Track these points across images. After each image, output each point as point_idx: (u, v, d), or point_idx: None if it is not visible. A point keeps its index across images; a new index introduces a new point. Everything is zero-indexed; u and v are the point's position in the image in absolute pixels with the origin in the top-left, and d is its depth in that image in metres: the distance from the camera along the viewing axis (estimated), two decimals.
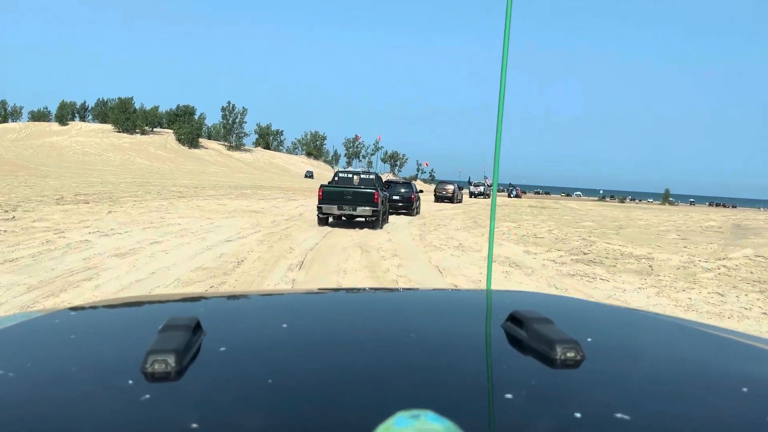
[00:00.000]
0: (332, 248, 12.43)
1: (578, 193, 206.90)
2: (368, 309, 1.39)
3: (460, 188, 46.58)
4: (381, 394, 0.78)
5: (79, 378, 0.83)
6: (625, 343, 1.12)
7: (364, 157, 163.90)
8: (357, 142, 50.61)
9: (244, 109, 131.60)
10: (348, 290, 2.15)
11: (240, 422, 0.67)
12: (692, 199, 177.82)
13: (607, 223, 25.89)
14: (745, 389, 0.82)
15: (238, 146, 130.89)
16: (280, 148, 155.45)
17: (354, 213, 16.29)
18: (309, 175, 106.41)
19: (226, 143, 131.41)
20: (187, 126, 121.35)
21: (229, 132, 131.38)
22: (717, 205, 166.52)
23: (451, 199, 42.58)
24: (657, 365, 0.97)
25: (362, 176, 19.02)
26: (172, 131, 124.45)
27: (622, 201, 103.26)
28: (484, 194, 58.99)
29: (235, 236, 13.06)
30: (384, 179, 24.19)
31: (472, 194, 60.95)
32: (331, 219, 17.00)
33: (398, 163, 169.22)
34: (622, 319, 1.37)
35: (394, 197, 23.18)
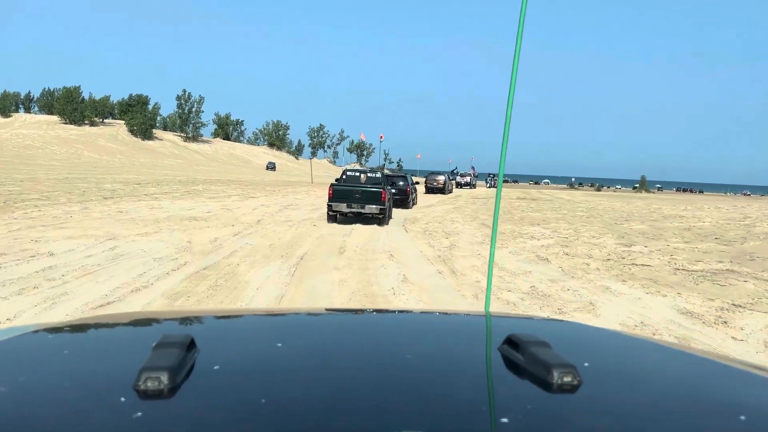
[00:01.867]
0: (308, 301, 7.23)
1: (546, 180, 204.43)
2: (364, 330, 1.37)
3: (451, 179, 46.27)
4: (376, 416, 0.77)
5: (72, 394, 0.82)
6: (622, 369, 1.09)
7: (329, 147, 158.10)
8: (362, 142, 47.51)
9: (201, 98, 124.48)
10: (344, 311, 2.17)
11: None
12: (659, 185, 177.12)
13: (666, 225, 20.92)
14: (742, 417, 0.81)
15: (195, 137, 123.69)
16: (241, 138, 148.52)
17: (362, 211, 16.80)
18: (271, 167, 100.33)
19: (182, 134, 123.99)
20: (139, 116, 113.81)
21: (186, 122, 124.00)
22: (684, 191, 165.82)
23: (442, 190, 41.61)
24: (654, 391, 0.94)
25: (369, 175, 19.08)
26: (124, 122, 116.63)
27: (598, 189, 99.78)
28: (470, 184, 58.06)
29: (130, 283, 7.50)
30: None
31: (458, 185, 59.78)
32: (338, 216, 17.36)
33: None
34: (619, 344, 1.34)
35: (391, 190, 22.21)
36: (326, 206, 17.62)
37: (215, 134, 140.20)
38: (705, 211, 28.01)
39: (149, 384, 0.77)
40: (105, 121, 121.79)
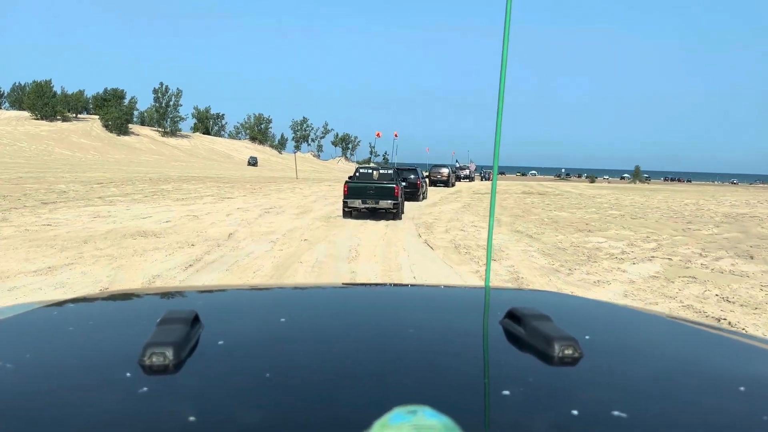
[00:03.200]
0: None
1: (533, 172, 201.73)
2: (367, 304, 1.37)
3: (454, 171, 46.72)
4: (378, 389, 0.78)
5: (77, 370, 0.83)
6: (623, 341, 1.10)
7: (313, 140, 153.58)
8: (395, 139, 44.30)
9: (179, 91, 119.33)
10: (347, 285, 2.24)
11: (237, 416, 0.67)
12: (646, 175, 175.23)
13: (751, 226, 17.29)
14: (742, 388, 0.81)
15: (173, 132, 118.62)
16: (222, 133, 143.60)
17: (377, 206, 17.31)
18: (252, 162, 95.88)
19: (160, 129, 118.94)
20: (115, 111, 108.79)
21: (163, 116, 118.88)
22: (673, 180, 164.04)
23: (446, 182, 41.28)
24: (655, 363, 0.95)
25: (381, 171, 19.56)
26: (98, 117, 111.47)
27: (592, 180, 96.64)
28: (469, 177, 58.41)
29: None
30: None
31: (457, 178, 60.19)
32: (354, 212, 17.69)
33: (350, 146, 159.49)
34: (620, 317, 1.34)
35: (403, 185, 21.50)
36: (317, 207, 17.14)
37: (195, 129, 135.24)
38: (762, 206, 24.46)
39: (154, 359, 0.77)
40: (79, 116, 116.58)
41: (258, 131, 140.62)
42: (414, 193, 25.20)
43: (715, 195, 41.16)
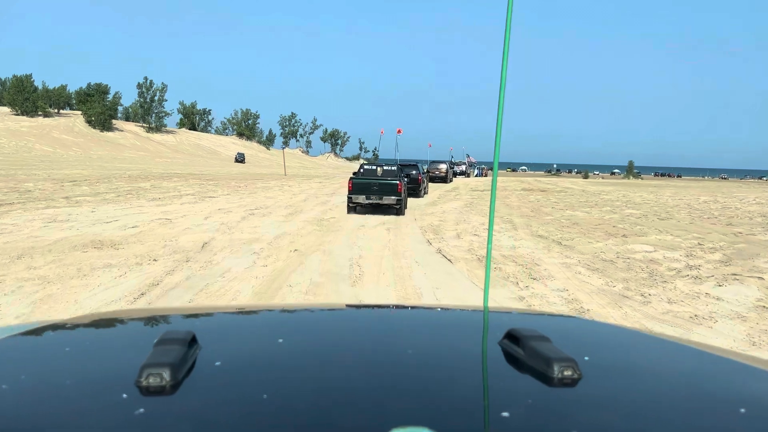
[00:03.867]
0: None
1: (524, 167, 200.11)
2: (365, 325, 1.37)
3: (451, 166, 46.61)
4: (377, 411, 0.77)
5: (74, 390, 0.83)
6: (622, 363, 1.09)
7: (301, 136, 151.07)
8: (398, 136, 44.20)
9: (164, 86, 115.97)
10: (345, 307, 2.04)
11: None
12: (636, 170, 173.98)
13: None
14: (742, 410, 0.81)
15: (158, 128, 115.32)
16: (209, 128, 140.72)
17: (381, 202, 17.69)
18: (240, 158, 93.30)
19: (145, 125, 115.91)
20: (98, 106, 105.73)
21: (148, 112, 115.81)
22: (663, 175, 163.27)
23: (444, 178, 40.88)
24: (654, 385, 0.94)
25: (385, 168, 19.85)
26: (81, 113, 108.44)
27: (585, 176, 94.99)
28: (465, 173, 58.38)
29: None
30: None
31: (454, 173, 59.41)
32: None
33: (339, 142, 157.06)
34: (619, 338, 1.34)
35: (405, 181, 21.61)
36: (308, 207, 16.82)
37: (181, 124, 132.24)
38: None
39: (151, 380, 0.77)
40: (61, 111, 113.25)
41: (245, 127, 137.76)
42: (415, 189, 24.92)
43: (724, 191, 39.51)
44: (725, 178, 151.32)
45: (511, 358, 0.98)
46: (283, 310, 1.65)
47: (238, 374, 0.91)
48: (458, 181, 49.31)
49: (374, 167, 20.26)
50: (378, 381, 0.90)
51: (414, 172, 25.93)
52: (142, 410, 0.72)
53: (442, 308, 1.71)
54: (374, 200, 17.72)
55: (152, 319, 1.41)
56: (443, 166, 41.50)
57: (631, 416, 0.78)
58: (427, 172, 36.15)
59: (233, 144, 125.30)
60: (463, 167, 59.55)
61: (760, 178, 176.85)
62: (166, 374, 0.78)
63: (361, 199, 17.78)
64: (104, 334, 1.29)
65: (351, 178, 18.25)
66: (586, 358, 0.98)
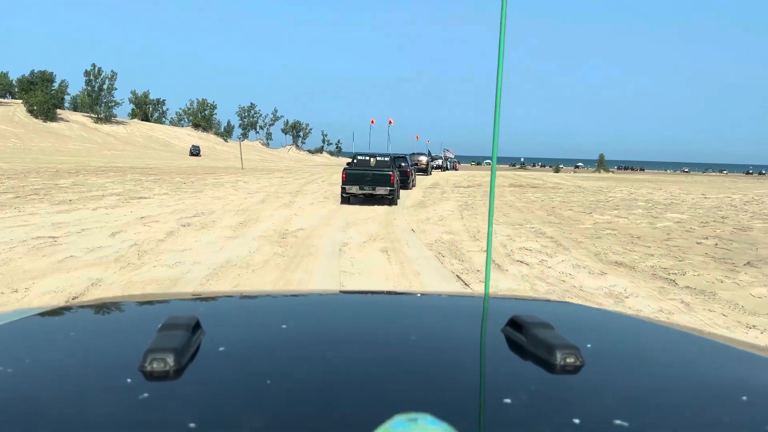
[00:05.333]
0: None
1: (488, 161, 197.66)
2: (369, 312, 1.37)
3: (432, 159, 48.35)
4: (380, 396, 0.78)
5: (78, 375, 0.83)
6: (625, 350, 1.09)
7: (261, 127, 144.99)
8: (389, 126, 42.14)
9: (114, 74, 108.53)
10: (349, 292, 2.19)
11: (238, 422, 0.67)
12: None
13: None
14: (744, 397, 0.81)
15: (107, 118, 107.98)
16: (163, 119, 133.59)
17: (374, 192, 17.91)
18: (195, 151, 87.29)
19: (93, 115, 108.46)
20: (40, 95, 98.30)
21: (96, 101, 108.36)
22: (626, 169, 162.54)
23: (425, 170, 41.60)
24: (657, 372, 0.94)
25: (378, 159, 19.83)
26: (22, 102, 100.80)
27: (556, 171, 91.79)
28: (442, 167, 59.52)
29: None
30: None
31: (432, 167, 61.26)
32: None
33: (301, 134, 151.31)
34: (622, 325, 1.33)
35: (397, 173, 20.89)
36: (266, 212, 14.60)
37: (133, 115, 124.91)
38: None
39: (155, 365, 0.77)
40: (1, 100, 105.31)
41: (201, 118, 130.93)
42: (405, 181, 24.53)
43: (739, 185, 36.25)
44: (687, 172, 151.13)
45: (514, 345, 0.97)
46: (287, 296, 1.67)
47: (242, 359, 0.90)
48: (436, 175, 45.93)
49: (367, 158, 19.83)
50: (381, 367, 0.89)
51: (403, 164, 25.85)
52: (146, 395, 0.72)
53: (444, 295, 1.73)
54: (367, 191, 17.85)
55: (156, 305, 1.40)
56: (424, 159, 42.44)
57: (634, 403, 0.77)
58: (415, 164, 37.05)
59: (188, 136, 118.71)
60: (440, 161, 60.78)
61: (721, 171, 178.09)
62: (170, 359, 0.78)
63: (355, 189, 17.89)
64: (108, 319, 1.27)
65: (345, 169, 18.30)
66: (589, 345, 0.98)
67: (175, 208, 14.70)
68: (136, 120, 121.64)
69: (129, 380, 0.76)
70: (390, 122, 40.64)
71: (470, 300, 1.63)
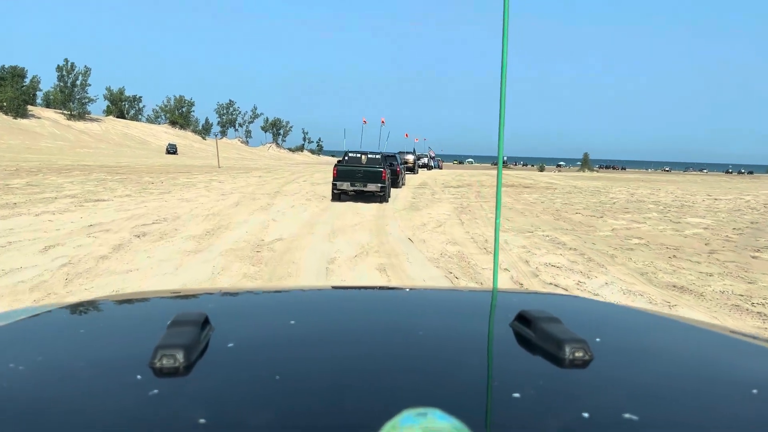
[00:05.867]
0: None
1: (470, 160, 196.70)
2: (377, 307, 1.36)
3: (418, 158, 48.43)
4: (388, 392, 0.77)
5: (88, 372, 0.83)
6: (633, 344, 1.08)
7: (240, 125, 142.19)
8: (382, 126, 41.36)
9: (87, 69, 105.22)
10: (356, 288, 2.15)
11: (247, 418, 0.67)
12: (579, 163, 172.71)
13: None
14: (755, 390, 0.80)
15: (81, 115, 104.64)
16: (139, 117, 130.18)
17: (365, 189, 17.81)
18: (171, 149, 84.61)
19: (66, 111, 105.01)
20: (10, 91, 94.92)
21: (69, 97, 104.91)
22: (607, 168, 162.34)
23: (412, 169, 41.60)
24: (665, 366, 0.93)
25: (369, 156, 19.87)
26: None
27: (541, 169, 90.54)
28: (427, 166, 59.53)
29: None
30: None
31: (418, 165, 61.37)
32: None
33: (281, 132, 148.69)
34: (630, 319, 1.32)
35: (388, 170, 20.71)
36: (240, 217, 12.54)
37: (108, 112, 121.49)
38: None
39: (165, 361, 0.78)
40: None
41: (179, 115, 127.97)
42: (394, 180, 24.04)
43: (727, 186, 34.98)
44: (668, 171, 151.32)
45: (522, 340, 0.97)
46: (296, 291, 1.67)
47: (251, 355, 0.90)
48: (423, 174, 44.33)
49: (359, 155, 19.76)
50: (390, 362, 0.89)
51: (394, 163, 25.69)
52: (156, 391, 0.72)
53: (452, 290, 1.75)
54: (358, 187, 17.75)
55: (165, 301, 1.40)
56: (410, 157, 42.60)
57: (643, 397, 0.76)
58: (404, 163, 36.90)
59: (165, 133, 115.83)
60: (425, 160, 60.82)
61: (701, 170, 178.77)
62: (180, 356, 0.78)
63: (346, 185, 17.76)
64: (118, 315, 1.28)
65: (336, 165, 18.20)
66: (598, 339, 0.97)
67: (135, 212, 12.78)
68: (111, 117, 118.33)
69: (139, 377, 0.76)
70: (383, 122, 40.34)
71: (478, 295, 1.61)
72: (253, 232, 10.69)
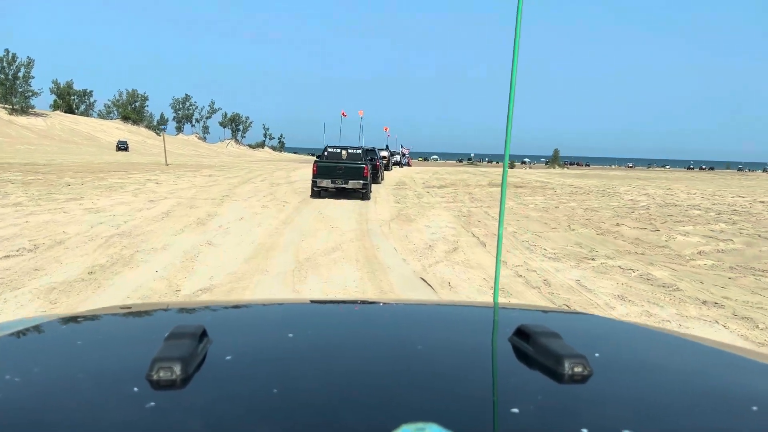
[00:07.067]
0: None
1: (435, 157, 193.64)
2: (375, 321, 1.34)
3: (392, 154, 47.73)
4: (387, 406, 0.77)
5: (85, 384, 0.83)
6: (632, 359, 1.08)
7: (198, 121, 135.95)
8: (360, 118, 37.85)
9: (30, 61, 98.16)
10: (355, 302, 2.12)
11: (245, 431, 0.67)
12: (543, 159, 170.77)
13: None
14: (754, 408, 0.80)
15: (24, 109, 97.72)
16: (91, 112, 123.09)
17: (346, 186, 16.94)
18: (122, 146, 78.93)
19: (7, 106, 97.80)
20: None
21: (11, 91, 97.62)
22: (571, 164, 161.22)
23: (386, 166, 40.54)
24: (665, 382, 0.93)
25: (350, 151, 19.06)
26: None
27: (511, 166, 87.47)
28: (399, 163, 58.06)
29: None
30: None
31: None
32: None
33: (241, 127, 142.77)
34: (629, 334, 1.31)
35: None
36: (164, 231, 10.06)
37: (55, 106, 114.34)
38: None
39: (162, 374, 0.77)
40: None
41: (132, 110, 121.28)
42: (374, 175, 22.77)
43: (732, 183, 31.95)
44: (631, 167, 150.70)
45: (522, 355, 0.96)
46: (294, 304, 1.64)
47: (249, 368, 0.90)
48: (396, 172, 40.63)
49: (339, 150, 19.06)
50: (388, 377, 0.88)
51: (374, 157, 24.59)
52: (153, 404, 0.72)
53: (452, 304, 1.70)
54: (339, 184, 16.88)
55: (163, 313, 1.38)
56: (385, 153, 40.91)
57: (642, 413, 0.76)
58: (385, 158, 36.07)
59: (117, 129, 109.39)
60: (398, 157, 58.54)
61: (663, 166, 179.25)
62: (177, 368, 0.78)
63: (326, 182, 16.93)
64: (116, 327, 1.27)
65: (315, 162, 17.39)
66: (597, 354, 0.97)
67: (1, 233, 8.53)
68: (58, 112, 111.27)
69: (136, 389, 0.76)
70: (360, 114, 38.16)
71: (478, 309, 1.59)
72: (169, 270, 6.59)
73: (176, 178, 23.00)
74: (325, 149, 19.33)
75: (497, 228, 9.58)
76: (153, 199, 14.27)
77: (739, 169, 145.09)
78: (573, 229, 11.37)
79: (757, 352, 1.18)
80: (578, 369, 0.84)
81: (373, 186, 21.53)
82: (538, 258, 8.30)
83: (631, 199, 19.37)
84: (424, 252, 8.54)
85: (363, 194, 17.20)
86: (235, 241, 8.91)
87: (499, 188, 17.77)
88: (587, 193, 22.37)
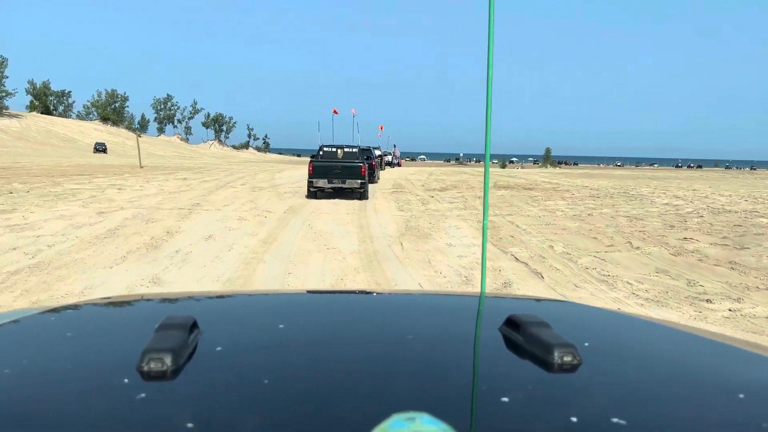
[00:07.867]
0: None
1: (422, 156, 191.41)
2: (366, 311, 1.35)
3: (384, 154, 47.65)
4: (377, 396, 0.78)
5: (75, 376, 0.83)
6: (622, 348, 1.08)
7: (180, 121, 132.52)
8: (354, 116, 35.71)
9: (3, 60, 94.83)
10: (346, 292, 2.11)
11: (235, 422, 0.67)
12: (532, 158, 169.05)
13: None
14: (741, 395, 0.80)
15: None
16: (69, 113, 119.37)
17: (343, 186, 16.55)
18: (100, 148, 75.76)
19: None
20: None
21: None
22: (560, 163, 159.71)
23: (379, 164, 40.50)
24: (654, 370, 0.94)
25: (346, 150, 18.56)
26: None
27: (503, 166, 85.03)
28: (391, 164, 56.63)
29: None
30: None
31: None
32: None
33: (224, 128, 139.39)
34: (619, 323, 1.32)
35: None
36: (98, 258, 8.34)
37: (31, 107, 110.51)
38: None
39: (152, 365, 0.77)
40: None
41: (111, 111, 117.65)
42: (370, 174, 22.11)
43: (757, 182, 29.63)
44: (620, 165, 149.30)
45: (511, 344, 0.96)
46: (284, 295, 1.64)
47: (239, 359, 0.90)
48: (390, 173, 38.29)
49: (335, 149, 18.61)
50: (379, 366, 0.89)
51: (370, 156, 24.53)
52: (143, 395, 0.72)
53: (441, 294, 1.65)
54: (336, 184, 16.35)
55: (153, 304, 1.37)
56: (377, 153, 39.73)
57: (631, 401, 0.77)
58: (380, 157, 35.35)
59: (96, 130, 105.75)
60: (390, 157, 56.58)
61: (652, 165, 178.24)
62: (168, 359, 0.77)
63: (323, 182, 16.40)
64: (105, 318, 1.26)
65: (311, 161, 17.01)
66: (586, 343, 0.96)
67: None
68: (34, 113, 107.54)
69: (126, 380, 0.75)
70: (353, 112, 36.94)
71: (467, 299, 1.59)
72: None
73: (144, 183, 20.30)
74: (321, 148, 18.79)
75: (539, 246, 7.04)
76: (103, 211, 11.60)
77: (727, 167, 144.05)
78: (637, 248, 8.87)
79: (744, 340, 1.17)
80: (568, 358, 0.83)
81: (371, 190, 19.14)
82: (630, 300, 5.79)
83: (667, 203, 16.95)
84: (462, 289, 5.99)
85: (361, 194, 16.80)
86: (193, 275, 6.34)
87: (508, 191, 15.06)
88: (609, 196, 19.93)
